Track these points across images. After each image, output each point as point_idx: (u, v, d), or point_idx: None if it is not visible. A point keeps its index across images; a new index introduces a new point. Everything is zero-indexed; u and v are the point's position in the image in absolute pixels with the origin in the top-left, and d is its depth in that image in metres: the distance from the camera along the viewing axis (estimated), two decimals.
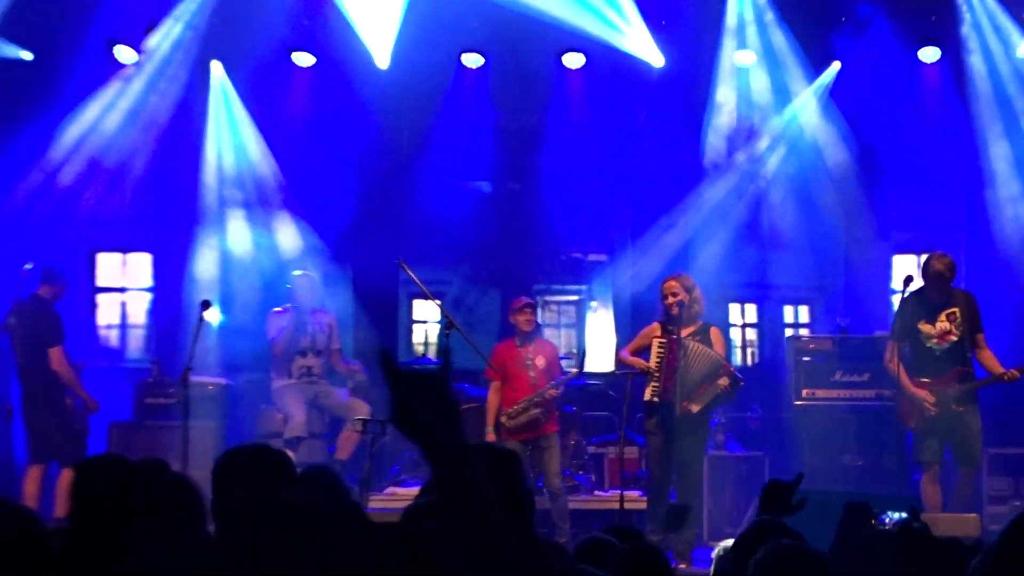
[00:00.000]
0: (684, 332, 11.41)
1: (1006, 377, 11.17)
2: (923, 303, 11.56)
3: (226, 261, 14.84)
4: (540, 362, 12.16)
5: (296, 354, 13.12)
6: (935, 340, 11.44)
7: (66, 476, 11.52)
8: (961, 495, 11.24)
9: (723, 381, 11.32)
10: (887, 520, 6.05)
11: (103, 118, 14.33)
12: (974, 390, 11.32)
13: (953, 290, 11.52)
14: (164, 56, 14.37)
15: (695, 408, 11.22)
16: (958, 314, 11.38)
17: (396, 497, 12.15)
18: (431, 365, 2.73)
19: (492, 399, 12.20)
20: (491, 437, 12.03)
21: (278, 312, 13.31)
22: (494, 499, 2.71)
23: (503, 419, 12.01)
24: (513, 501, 3.29)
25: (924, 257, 11.96)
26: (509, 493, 3.24)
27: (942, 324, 11.41)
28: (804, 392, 13.03)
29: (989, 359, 11.38)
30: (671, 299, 11.34)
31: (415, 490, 12.24)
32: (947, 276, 11.40)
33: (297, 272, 13.60)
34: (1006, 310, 13.12)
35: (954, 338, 11.37)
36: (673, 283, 11.48)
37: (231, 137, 15.09)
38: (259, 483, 4.36)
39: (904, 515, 6.09)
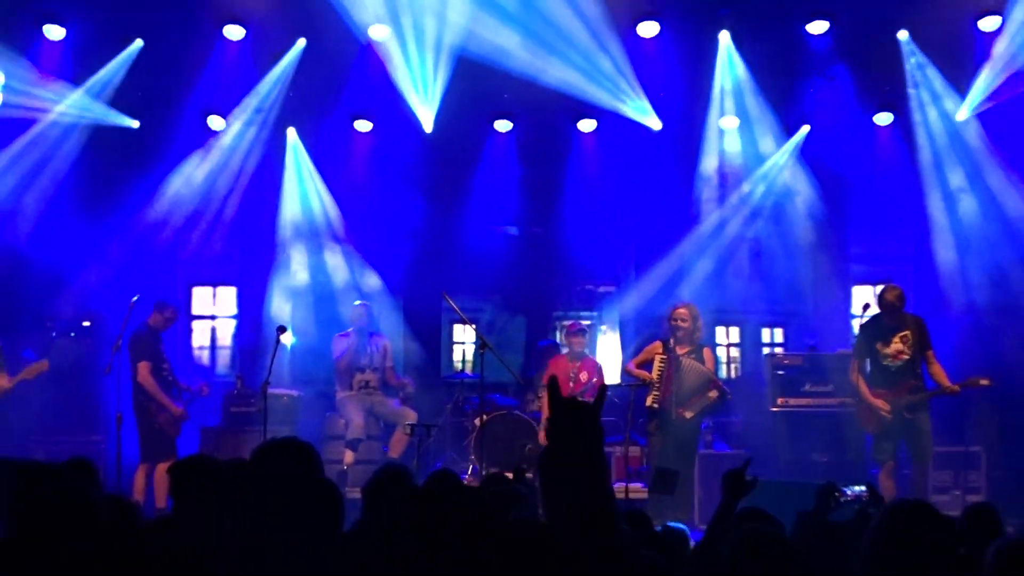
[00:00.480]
0: (682, 351, 11.68)
1: (948, 391, 11.38)
2: (880, 327, 11.76)
3: (298, 293, 15.03)
4: (583, 376, 12.46)
5: (356, 370, 13.32)
6: (890, 358, 11.63)
7: (159, 472, 11.79)
8: (916, 487, 11.42)
9: (713, 393, 11.72)
10: (849, 493, 6.19)
11: (198, 175, 14.55)
12: (924, 400, 11.48)
13: (905, 315, 11.67)
14: (248, 124, 14.62)
15: (688, 414, 11.57)
16: (909, 336, 11.57)
17: None
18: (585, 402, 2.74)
19: (544, 402, 12.42)
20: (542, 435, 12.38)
21: (342, 335, 13.53)
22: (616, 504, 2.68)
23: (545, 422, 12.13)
24: None
25: (879, 288, 12.17)
26: None
27: (896, 345, 11.61)
28: (779, 400, 13.24)
29: (938, 373, 11.51)
30: (680, 323, 11.66)
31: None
32: (898, 305, 11.61)
33: (357, 302, 13.82)
34: (949, 331, 13.20)
35: (906, 356, 11.56)
36: (683, 311, 11.83)
37: (303, 190, 15.24)
38: (292, 468, 4.12)
39: (863, 488, 6.30)
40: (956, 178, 14.21)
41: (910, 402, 11.45)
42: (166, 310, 12.49)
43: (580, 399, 2.85)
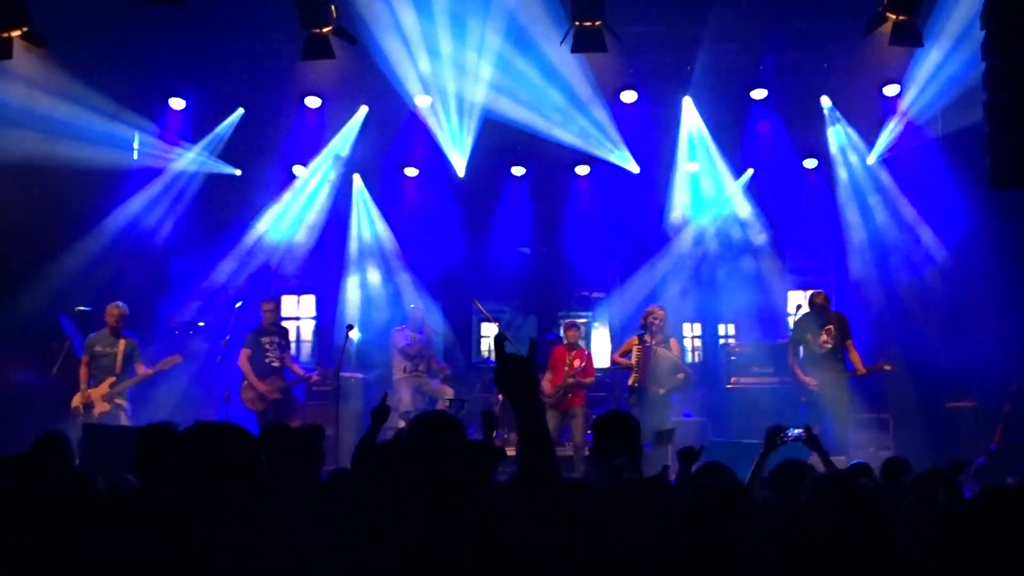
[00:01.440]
0: (653, 341, 11.50)
1: (859, 373, 11.48)
2: (810, 322, 11.85)
3: (364, 300, 14.96)
4: (576, 362, 12.24)
5: (409, 358, 13.20)
6: (818, 347, 11.67)
7: None
8: (837, 445, 11.19)
9: (680, 376, 11.70)
10: (790, 433, 6.11)
11: (285, 210, 14.55)
12: (844, 379, 11.49)
13: (830, 313, 11.76)
14: (324, 172, 14.62)
15: (661, 391, 11.45)
16: (833, 329, 11.62)
17: None
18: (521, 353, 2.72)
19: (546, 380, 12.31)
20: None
21: (400, 329, 13.47)
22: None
23: (545, 399, 12.02)
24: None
25: (810, 293, 12.28)
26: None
27: (823, 337, 11.66)
28: (732, 380, 13.14)
29: (855, 359, 11.58)
30: (652, 318, 11.57)
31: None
32: (825, 305, 11.78)
33: (412, 305, 13.80)
34: (864, 326, 13.14)
35: (830, 345, 11.60)
36: (660, 311, 11.83)
37: (366, 221, 15.19)
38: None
39: (801, 430, 6.19)
40: (866, 208, 14.03)
41: (832, 380, 11.47)
42: (264, 304, 12.29)
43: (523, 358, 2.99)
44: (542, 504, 2.81)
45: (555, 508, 2.82)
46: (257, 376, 11.93)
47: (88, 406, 11.10)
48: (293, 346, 13.73)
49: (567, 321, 13.02)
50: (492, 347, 3.15)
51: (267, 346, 12.05)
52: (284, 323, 13.70)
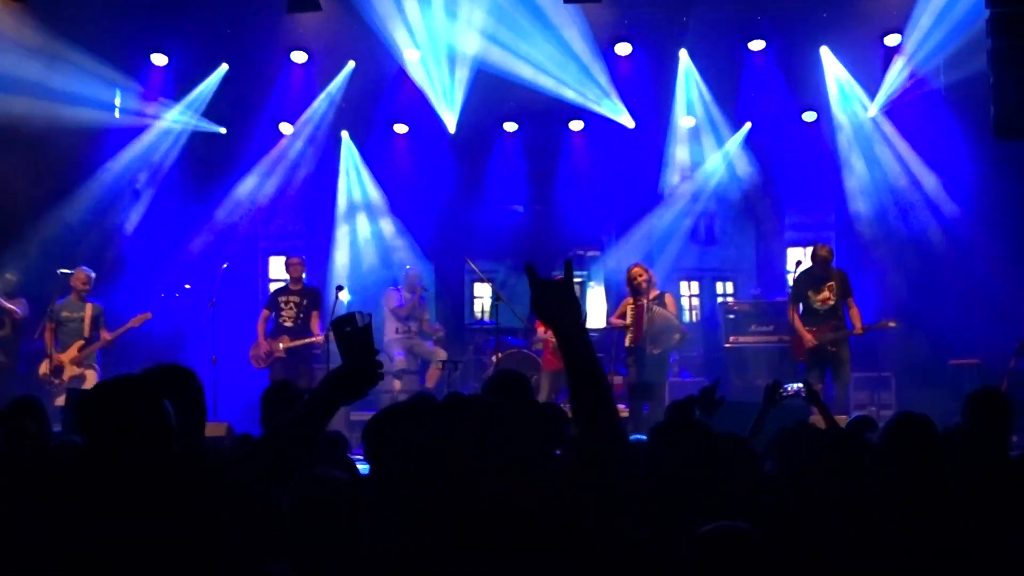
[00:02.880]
0: (647, 300, 11.41)
1: (856, 332, 11.39)
2: (811, 278, 11.71)
3: (353, 260, 14.90)
4: None
5: (400, 319, 13.15)
6: (819, 303, 11.56)
7: None
8: (838, 404, 11.22)
9: (677, 336, 11.51)
10: (789, 388, 6.07)
11: (272, 168, 14.37)
12: (843, 337, 11.39)
13: (831, 269, 11.65)
14: (311, 128, 14.41)
15: (656, 351, 11.29)
16: (835, 285, 11.53)
17: None
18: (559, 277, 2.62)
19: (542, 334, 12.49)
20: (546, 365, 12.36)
21: (392, 290, 13.48)
22: (598, 361, 2.69)
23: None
24: None
25: (812, 247, 12.02)
26: None
27: (823, 293, 11.56)
28: (731, 339, 13.02)
29: (855, 317, 11.46)
30: (638, 279, 11.40)
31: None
32: (828, 259, 11.65)
33: (409, 267, 13.76)
34: (866, 282, 13.05)
35: (831, 302, 11.50)
36: (636, 269, 11.59)
37: (356, 180, 15.07)
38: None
39: (800, 384, 6.16)
40: (867, 162, 13.88)
41: (833, 338, 11.36)
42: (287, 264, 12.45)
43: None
44: (608, 449, 2.59)
45: (619, 450, 2.61)
46: (268, 335, 12.02)
47: (57, 370, 11.20)
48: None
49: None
50: (526, 273, 3.02)
51: (283, 305, 12.09)
52: (272, 284, 13.59)
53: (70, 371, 11.17)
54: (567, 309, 2.68)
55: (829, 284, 11.56)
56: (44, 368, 11.26)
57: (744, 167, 14.50)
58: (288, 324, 12.01)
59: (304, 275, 12.42)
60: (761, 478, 3.74)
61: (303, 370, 11.81)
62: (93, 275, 11.62)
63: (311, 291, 12.42)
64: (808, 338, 11.45)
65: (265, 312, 12.17)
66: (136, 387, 3.12)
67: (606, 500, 2.55)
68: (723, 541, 2.67)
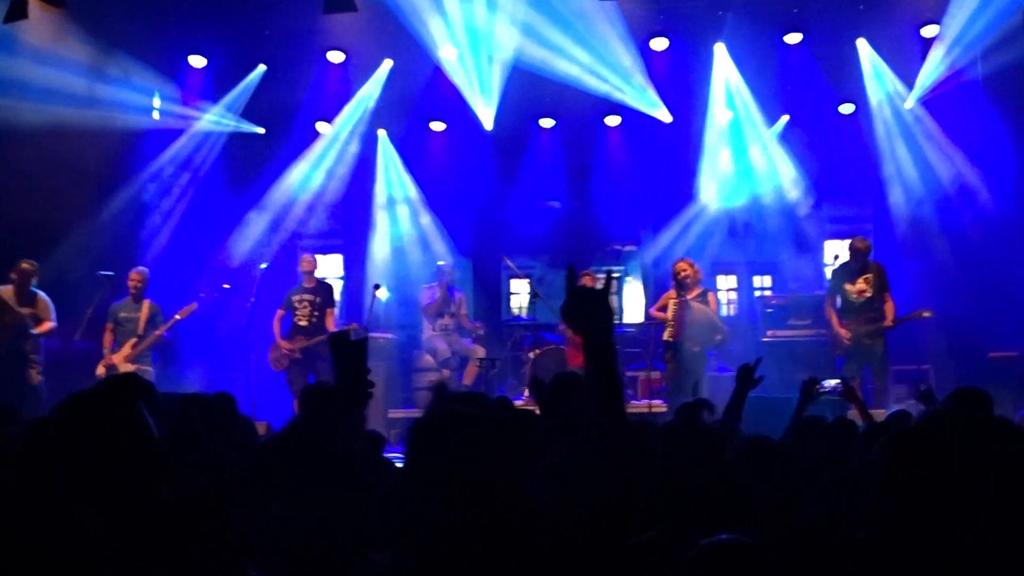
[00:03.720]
0: (690, 295, 11.45)
1: (888, 323, 11.37)
2: (848, 270, 11.74)
3: (392, 257, 14.93)
4: None
5: (439, 315, 13.19)
6: (855, 295, 11.56)
7: None
8: (878, 399, 11.36)
9: (719, 336, 11.63)
10: (826, 385, 6.09)
11: (310, 168, 14.51)
12: (879, 330, 11.39)
13: (869, 262, 11.64)
14: (349, 127, 14.55)
15: (696, 349, 11.40)
16: (872, 278, 11.52)
17: None
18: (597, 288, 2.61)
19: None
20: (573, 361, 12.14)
21: (428, 287, 13.49)
22: (621, 382, 2.69)
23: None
24: None
25: (851, 239, 12.03)
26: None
27: (860, 285, 11.56)
28: (768, 332, 12.94)
29: (888, 311, 11.45)
30: (682, 274, 11.40)
31: (516, 403, 12.45)
32: (866, 252, 11.65)
33: (441, 262, 13.72)
34: (905, 274, 13.03)
35: (868, 294, 11.49)
36: (682, 264, 11.67)
37: (393, 178, 15.19)
38: None
39: (837, 381, 6.18)
40: (905, 154, 13.83)
41: (868, 331, 11.41)
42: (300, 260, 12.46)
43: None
44: (612, 452, 2.60)
45: (624, 455, 2.61)
46: (285, 336, 12.04)
47: (111, 370, 11.29)
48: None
49: (583, 274, 12.99)
50: (567, 278, 3.03)
51: (297, 304, 12.13)
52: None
53: (124, 368, 11.24)
54: (600, 319, 2.69)
55: (866, 276, 11.56)
56: (100, 369, 11.38)
57: (781, 159, 14.48)
58: (303, 323, 12.05)
59: (315, 270, 12.52)
60: (772, 485, 3.70)
61: (320, 368, 11.76)
62: (148, 274, 11.78)
63: (324, 287, 12.47)
64: (843, 333, 11.51)
65: (280, 312, 12.19)
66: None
67: (617, 506, 2.58)
68: (724, 555, 2.65)
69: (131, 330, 11.51)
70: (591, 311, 2.69)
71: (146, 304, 11.60)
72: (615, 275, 3.15)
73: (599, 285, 2.73)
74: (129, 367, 11.23)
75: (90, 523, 2.63)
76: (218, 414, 5.53)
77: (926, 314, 11.41)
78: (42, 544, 2.57)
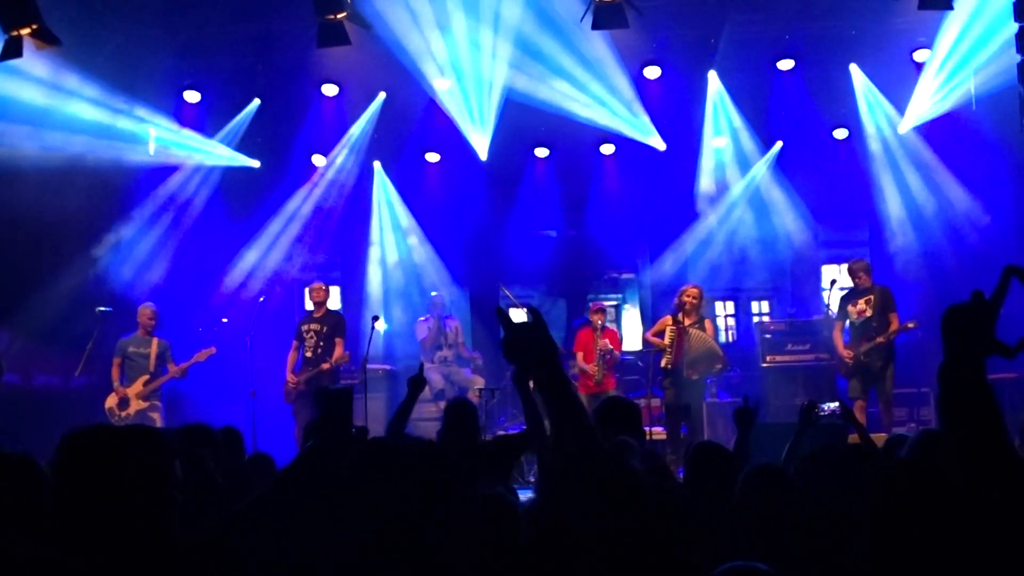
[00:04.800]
0: (688, 322, 11.46)
1: (880, 339, 11.41)
2: (851, 292, 11.91)
3: (388, 289, 14.98)
4: (603, 342, 12.24)
5: (436, 348, 13.21)
6: (855, 316, 11.70)
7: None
8: (886, 419, 11.54)
9: (718, 366, 11.67)
10: (826, 408, 6.10)
11: (306, 200, 14.56)
12: (875, 348, 11.45)
13: (872, 285, 11.78)
14: (344, 160, 14.62)
15: (695, 376, 11.44)
16: (873, 300, 11.62)
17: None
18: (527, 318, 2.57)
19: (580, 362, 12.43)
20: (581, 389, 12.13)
21: (423, 320, 13.51)
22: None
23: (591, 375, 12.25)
24: None
25: (846, 265, 12.25)
26: None
27: (860, 306, 11.69)
28: (767, 358, 12.96)
29: (889, 330, 11.51)
30: (689, 299, 11.46)
31: (515, 432, 12.44)
32: (863, 272, 11.80)
33: (434, 293, 13.76)
34: (902, 297, 13.06)
35: (867, 314, 11.60)
36: (694, 290, 11.74)
37: (389, 209, 15.26)
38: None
39: (836, 404, 6.19)
40: (901, 178, 13.97)
41: (866, 349, 11.48)
42: (309, 290, 12.44)
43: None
44: (589, 484, 2.57)
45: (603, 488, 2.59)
46: (298, 368, 11.94)
47: (123, 403, 11.35)
48: None
49: (593, 305, 13.07)
50: (498, 317, 2.97)
51: (305, 336, 12.00)
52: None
53: (136, 405, 11.32)
54: (540, 350, 2.60)
55: (867, 298, 11.67)
56: (110, 401, 11.41)
57: (776, 185, 14.61)
58: (308, 355, 11.89)
59: (327, 300, 12.41)
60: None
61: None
62: (157, 309, 11.80)
63: (333, 316, 12.26)
64: (845, 354, 11.60)
65: (295, 343, 12.06)
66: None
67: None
68: None
69: (142, 366, 11.51)
70: (530, 345, 2.59)
71: (155, 341, 11.63)
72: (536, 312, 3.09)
73: (526, 317, 2.64)
74: (140, 404, 11.33)
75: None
76: (224, 448, 5.53)
77: (910, 325, 11.45)
78: None
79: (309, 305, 14.14)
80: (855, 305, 11.70)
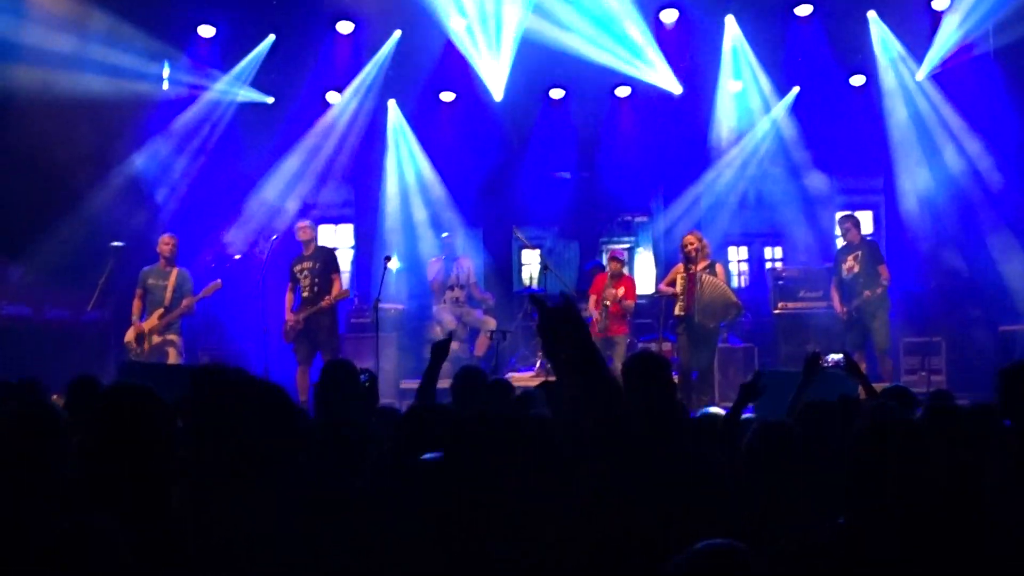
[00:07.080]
0: (698, 268, 11.51)
1: (865, 296, 11.73)
2: (843, 249, 12.29)
3: (401, 227, 15.04)
4: (617, 291, 12.29)
5: (447, 288, 13.22)
6: (845, 272, 12.05)
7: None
8: (882, 369, 11.67)
9: (732, 312, 11.59)
10: (830, 360, 6.16)
11: (320, 138, 14.57)
12: (864, 303, 11.75)
13: (861, 239, 12.19)
14: (359, 97, 14.63)
15: (711, 324, 11.43)
16: (860, 255, 11.95)
17: (514, 379, 11.96)
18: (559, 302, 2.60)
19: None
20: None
21: (434, 260, 13.51)
22: (614, 385, 2.71)
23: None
24: None
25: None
26: None
27: (848, 263, 12.04)
28: (779, 304, 13.14)
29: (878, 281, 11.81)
30: (689, 247, 11.47)
31: (527, 374, 12.55)
32: (851, 229, 12.20)
33: (445, 234, 13.80)
34: (915, 247, 13.24)
35: (856, 270, 11.92)
36: (689, 237, 11.65)
37: (404, 149, 15.25)
38: None
39: (840, 355, 6.23)
40: (916, 126, 13.91)
41: (856, 305, 11.82)
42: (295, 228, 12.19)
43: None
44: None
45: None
46: (295, 308, 11.80)
47: (141, 339, 11.39)
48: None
49: (612, 251, 13.11)
50: (534, 304, 2.98)
51: (299, 276, 11.84)
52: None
53: (152, 339, 11.37)
54: (575, 332, 2.69)
55: (855, 254, 11.97)
56: (129, 335, 11.44)
57: (792, 132, 14.61)
58: (306, 294, 11.71)
59: (314, 238, 12.23)
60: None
61: (320, 340, 11.58)
62: (178, 240, 11.80)
63: (323, 252, 12.07)
64: (839, 309, 12.02)
65: (290, 285, 11.90)
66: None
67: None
68: (718, 560, 2.54)
69: (159, 298, 11.48)
70: (564, 329, 2.68)
71: (175, 271, 11.61)
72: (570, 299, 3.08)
73: (559, 302, 2.73)
74: (156, 338, 11.38)
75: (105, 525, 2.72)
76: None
77: (867, 294, 11.69)
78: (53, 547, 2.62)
79: (324, 242, 14.19)
80: (845, 262, 12.03)
